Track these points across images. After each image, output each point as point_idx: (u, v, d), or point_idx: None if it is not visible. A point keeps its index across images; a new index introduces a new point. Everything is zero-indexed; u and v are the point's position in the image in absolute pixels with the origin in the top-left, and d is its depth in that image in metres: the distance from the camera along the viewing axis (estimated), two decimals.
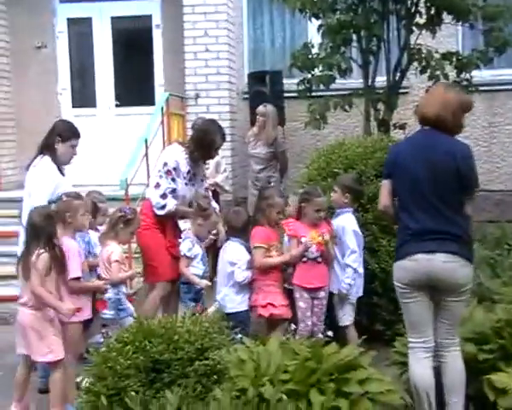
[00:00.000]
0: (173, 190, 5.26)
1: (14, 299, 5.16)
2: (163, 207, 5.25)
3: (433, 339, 3.81)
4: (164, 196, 5.24)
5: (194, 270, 5.15)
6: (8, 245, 6.73)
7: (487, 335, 3.99)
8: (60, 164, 5.11)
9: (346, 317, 5.10)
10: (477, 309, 4.38)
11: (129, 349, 3.12)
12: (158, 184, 5.28)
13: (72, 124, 5.36)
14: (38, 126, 9.38)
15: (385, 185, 3.95)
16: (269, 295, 4.99)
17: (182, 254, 5.15)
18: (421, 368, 3.78)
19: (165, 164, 5.28)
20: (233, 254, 5.09)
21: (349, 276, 5.03)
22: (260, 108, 7.88)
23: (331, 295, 5.12)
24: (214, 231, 5.47)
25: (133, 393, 2.79)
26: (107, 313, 4.94)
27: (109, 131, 9.49)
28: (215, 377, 3.13)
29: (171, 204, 5.26)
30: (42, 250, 4.38)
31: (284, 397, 2.94)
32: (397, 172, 3.84)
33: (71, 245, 4.61)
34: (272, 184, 7.57)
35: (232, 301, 5.04)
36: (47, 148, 5.10)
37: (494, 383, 3.72)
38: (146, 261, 5.38)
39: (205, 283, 5.15)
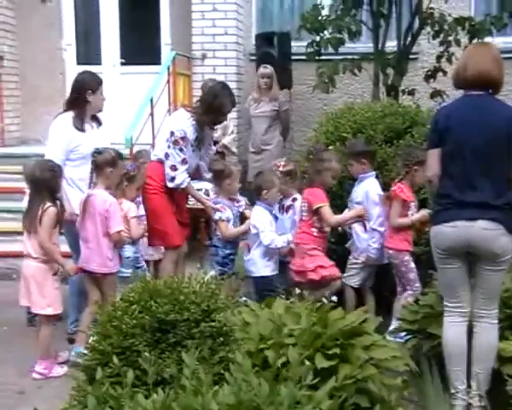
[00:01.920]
0: (183, 161, 5.13)
1: (18, 255, 5.20)
2: (172, 179, 5.14)
3: (469, 305, 3.78)
4: (173, 167, 5.12)
5: None
6: (11, 201, 6.74)
7: None
8: (96, 113, 5.21)
9: (359, 280, 5.13)
10: None
11: (135, 309, 3.08)
12: (167, 154, 5.16)
13: (93, 73, 5.40)
14: (43, 82, 9.41)
15: (434, 154, 3.79)
16: (316, 258, 4.97)
17: (217, 219, 5.19)
18: (455, 332, 3.78)
19: (172, 133, 5.14)
20: (256, 217, 5.09)
21: (376, 240, 5.03)
22: (263, 70, 7.90)
23: None
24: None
25: (146, 354, 2.76)
26: (125, 272, 4.96)
27: (114, 89, 9.33)
28: (221, 339, 3.09)
29: (181, 179, 5.13)
30: (48, 204, 4.43)
31: (307, 362, 2.92)
32: (448, 137, 3.70)
33: (112, 199, 4.69)
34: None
35: (254, 264, 5.06)
36: (75, 103, 5.11)
37: (500, 352, 3.71)
38: (152, 224, 5.28)
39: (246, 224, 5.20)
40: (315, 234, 5.01)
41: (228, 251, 5.20)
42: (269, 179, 5.14)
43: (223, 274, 5.11)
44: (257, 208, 5.12)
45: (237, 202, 5.38)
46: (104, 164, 4.68)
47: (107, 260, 4.69)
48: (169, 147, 5.14)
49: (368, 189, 5.09)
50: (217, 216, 5.19)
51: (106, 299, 4.55)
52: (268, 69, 7.89)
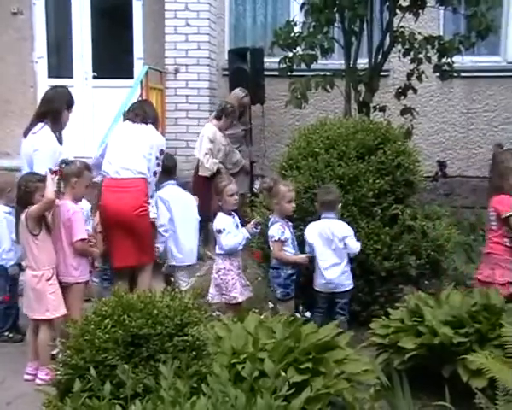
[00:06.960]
0: None
1: None
2: None
3: None
4: None
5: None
6: None
7: (463, 318, 4.01)
8: (60, 130, 5.17)
9: None
10: (453, 293, 4.41)
11: (107, 323, 3.08)
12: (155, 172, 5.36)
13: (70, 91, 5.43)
14: (12, 95, 9.33)
15: None
16: (508, 273, 4.75)
17: (274, 239, 4.98)
18: None
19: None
20: (340, 228, 4.94)
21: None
22: (247, 100, 8.05)
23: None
24: None
25: (125, 365, 2.76)
26: (94, 282, 4.98)
27: (86, 102, 9.34)
28: (194, 353, 3.10)
29: None
30: (27, 210, 4.52)
31: (283, 373, 2.96)
32: None
33: (75, 208, 4.74)
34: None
35: (349, 277, 4.92)
36: (50, 115, 5.11)
37: (468, 365, 3.75)
38: (148, 243, 5.28)
39: (304, 256, 4.99)
40: (507, 244, 4.79)
41: (290, 271, 4.96)
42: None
43: (286, 295, 4.95)
44: (340, 222, 4.97)
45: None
46: (70, 174, 4.75)
47: (71, 270, 4.71)
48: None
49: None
50: (276, 236, 4.96)
51: (71, 309, 4.60)
52: (247, 98, 8.06)
